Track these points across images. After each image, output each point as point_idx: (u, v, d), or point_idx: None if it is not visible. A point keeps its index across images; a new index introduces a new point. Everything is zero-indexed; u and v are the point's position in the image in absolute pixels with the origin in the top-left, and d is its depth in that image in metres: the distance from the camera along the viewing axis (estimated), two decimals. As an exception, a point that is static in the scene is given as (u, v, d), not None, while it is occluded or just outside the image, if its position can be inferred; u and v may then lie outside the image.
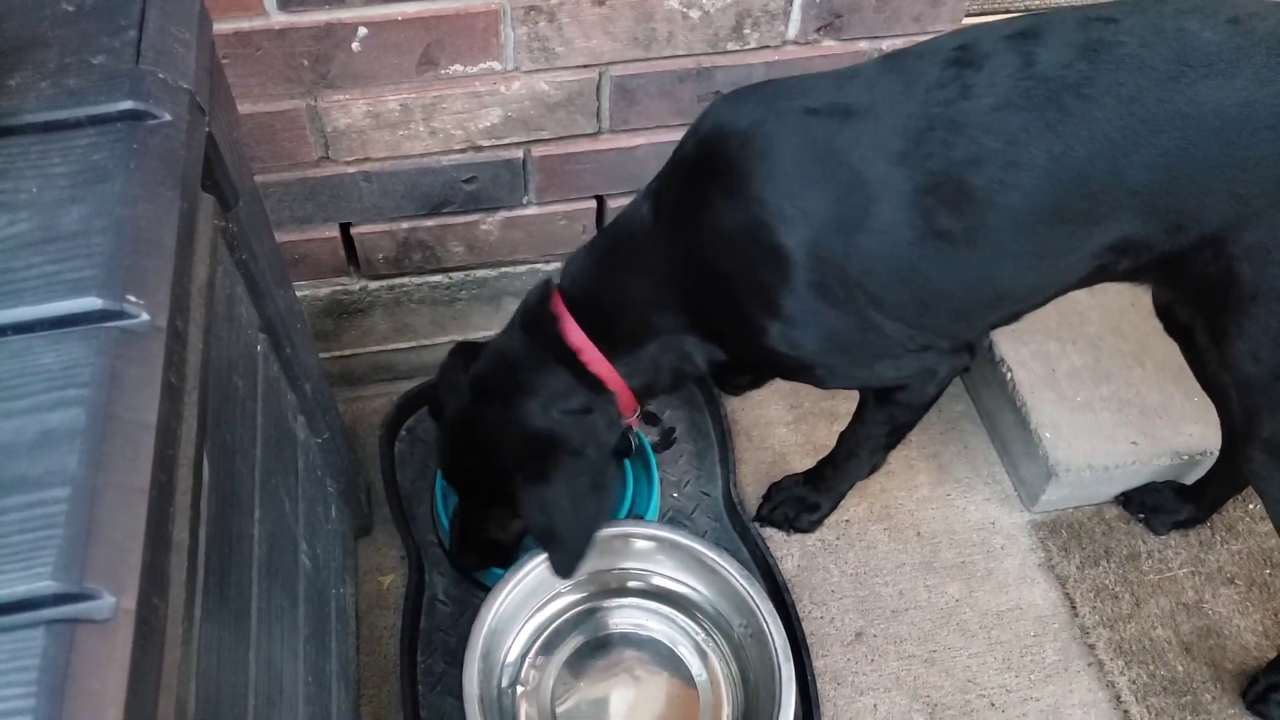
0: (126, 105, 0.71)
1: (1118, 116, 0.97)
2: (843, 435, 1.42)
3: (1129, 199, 1.00)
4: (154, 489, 0.58)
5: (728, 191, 1.07)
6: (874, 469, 1.47)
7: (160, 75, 0.74)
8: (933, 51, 1.05)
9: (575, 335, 1.21)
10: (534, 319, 1.24)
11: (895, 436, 1.37)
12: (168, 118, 0.73)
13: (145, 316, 0.62)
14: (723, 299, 1.13)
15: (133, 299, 0.62)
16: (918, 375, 1.20)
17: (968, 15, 1.49)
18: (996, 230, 1.02)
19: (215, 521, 0.79)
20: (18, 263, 0.63)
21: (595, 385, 1.22)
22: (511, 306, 1.68)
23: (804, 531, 1.53)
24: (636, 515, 1.50)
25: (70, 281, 0.62)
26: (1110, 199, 1.00)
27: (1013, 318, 1.19)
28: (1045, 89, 0.98)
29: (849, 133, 1.03)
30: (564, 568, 1.22)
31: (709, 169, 1.10)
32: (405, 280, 1.59)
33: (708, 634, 1.35)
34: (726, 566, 1.28)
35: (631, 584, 1.38)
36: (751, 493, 1.59)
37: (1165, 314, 1.29)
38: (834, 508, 1.52)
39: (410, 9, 1.21)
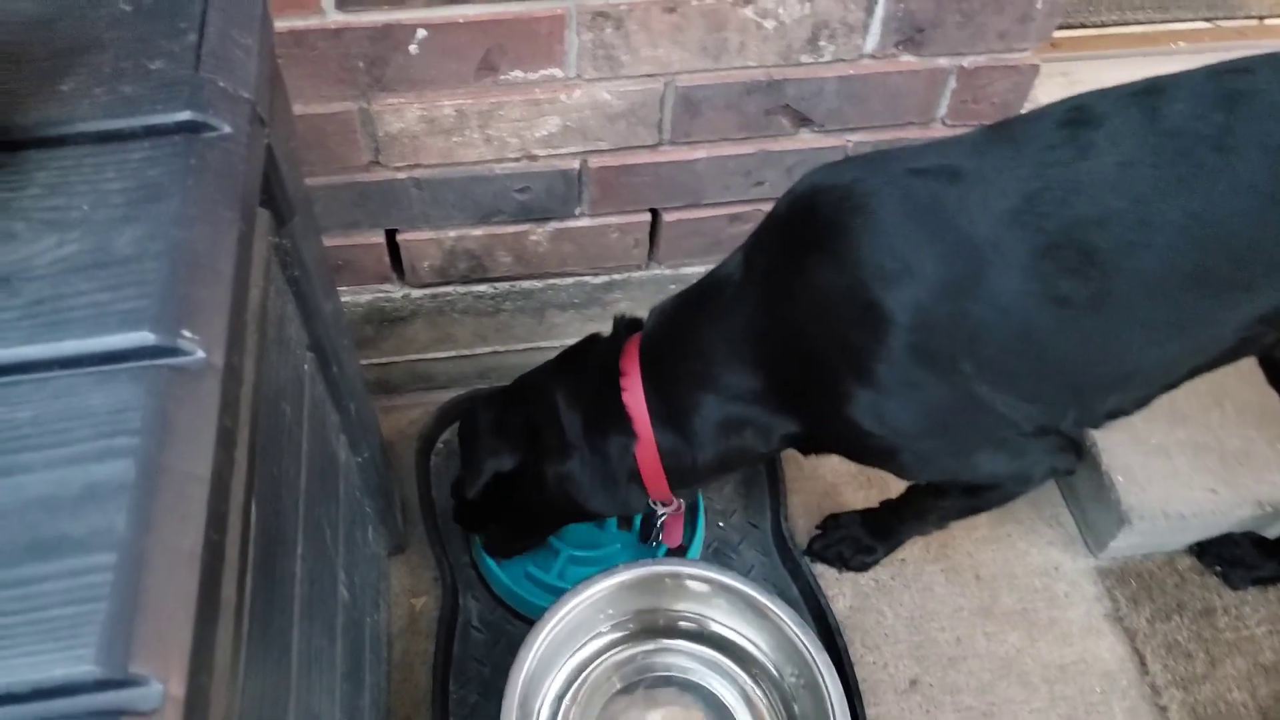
0: (184, 116, 0.65)
1: (1265, 168, 0.89)
2: (915, 493, 1.33)
3: None
4: (206, 551, 0.52)
5: (822, 247, 0.99)
6: (939, 529, 1.39)
7: (221, 84, 0.68)
8: (1043, 115, 0.98)
9: (629, 362, 1.16)
10: (611, 338, 1.22)
11: (974, 514, 1.30)
12: (227, 130, 0.67)
13: (200, 354, 0.56)
14: (806, 364, 1.04)
15: (188, 334, 0.56)
16: (1013, 477, 1.11)
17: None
18: (1126, 297, 0.93)
19: (260, 566, 0.73)
20: (66, 289, 0.57)
21: (617, 414, 1.16)
22: (556, 319, 1.64)
23: (857, 571, 1.46)
24: (680, 546, 1.43)
25: (121, 313, 0.56)
26: (1261, 259, 0.92)
27: (1138, 403, 1.09)
28: (1177, 144, 0.90)
29: (956, 193, 0.95)
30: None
31: (803, 225, 1.03)
32: (449, 289, 1.53)
33: (755, 682, 1.28)
34: (780, 613, 1.21)
35: (680, 625, 1.31)
36: (801, 526, 1.52)
37: None
38: (890, 552, 1.45)
39: (472, 11, 1.15)
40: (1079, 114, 0.95)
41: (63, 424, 0.53)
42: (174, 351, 0.56)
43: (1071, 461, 1.12)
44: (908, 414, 1.01)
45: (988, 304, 0.95)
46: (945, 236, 0.94)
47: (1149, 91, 0.94)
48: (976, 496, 1.19)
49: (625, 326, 1.22)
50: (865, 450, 1.11)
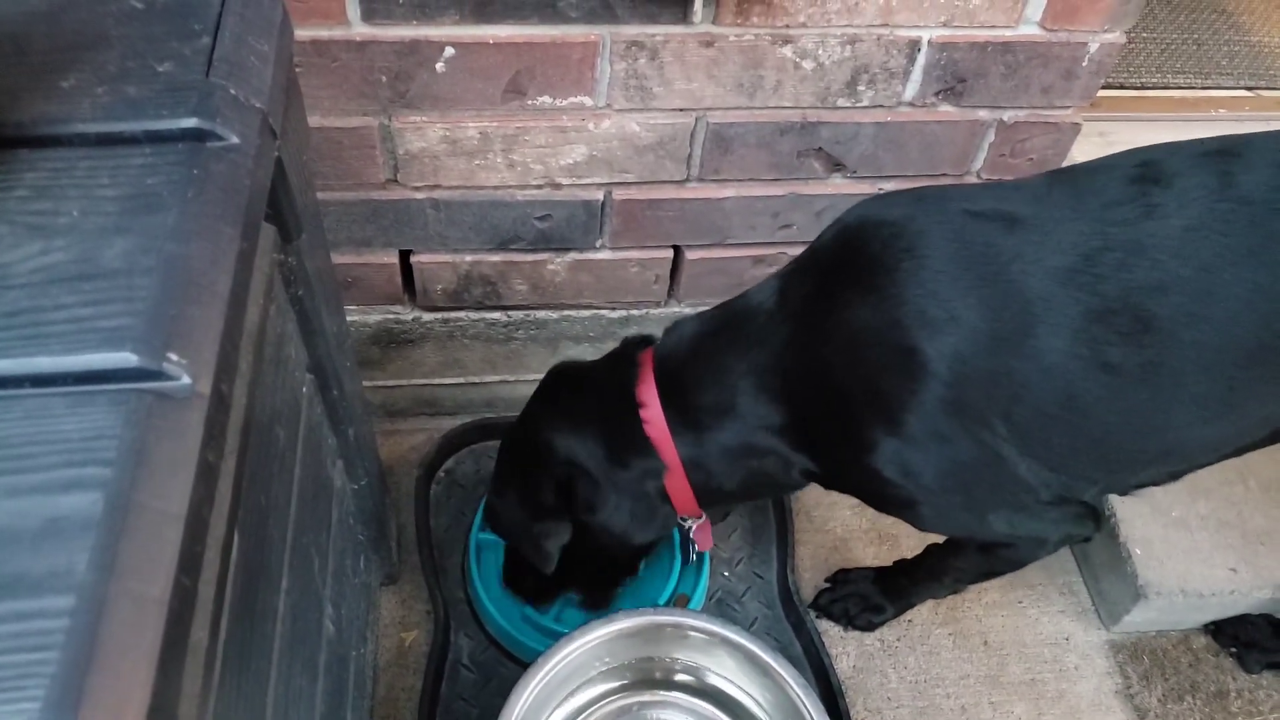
0: (190, 123, 0.62)
1: None
2: (930, 553, 1.28)
3: None
4: (175, 599, 0.47)
5: (865, 284, 0.95)
6: (953, 593, 1.34)
7: (232, 91, 0.64)
8: (1109, 167, 0.93)
9: (646, 390, 1.11)
10: (617, 361, 1.17)
11: (988, 578, 1.25)
12: (235, 141, 0.63)
13: (186, 380, 0.52)
14: (832, 404, 0.99)
15: (174, 358, 0.52)
16: (1028, 540, 1.06)
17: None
18: (1179, 370, 0.88)
19: (239, 603, 0.69)
20: (46, 301, 0.53)
21: (642, 446, 1.11)
22: (569, 351, 1.59)
23: (862, 630, 1.40)
24: (683, 595, 1.39)
25: (104, 330, 0.52)
26: None
27: (1171, 477, 1.05)
28: (1249, 213, 0.85)
29: (1012, 241, 0.91)
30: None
31: (847, 259, 0.98)
32: (461, 314, 1.49)
33: (752, 739, 1.22)
34: (783, 672, 1.15)
35: (678, 677, 1.25)
36: (807, 579, 1.47)
37: None
38: (899, 614, 1.40)
39: (504, 32, 1.12)
40: (1148, 170, 0.91)
41: (30, 448, 0.48)
42: (158, 375, 0.52)
43: (1090, 529, 1.07)
44: (932, 468, 0.96)
45: (1031, 364, 0.90)
46: (995, 287, 0.90)
47: (1222, 153, 0.90)
48: (991, 555, 1.14)
49: (635, 346, 1.17)
50: (883, 498, 1.06)
